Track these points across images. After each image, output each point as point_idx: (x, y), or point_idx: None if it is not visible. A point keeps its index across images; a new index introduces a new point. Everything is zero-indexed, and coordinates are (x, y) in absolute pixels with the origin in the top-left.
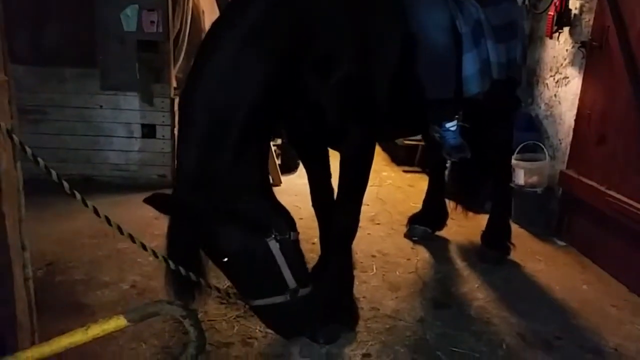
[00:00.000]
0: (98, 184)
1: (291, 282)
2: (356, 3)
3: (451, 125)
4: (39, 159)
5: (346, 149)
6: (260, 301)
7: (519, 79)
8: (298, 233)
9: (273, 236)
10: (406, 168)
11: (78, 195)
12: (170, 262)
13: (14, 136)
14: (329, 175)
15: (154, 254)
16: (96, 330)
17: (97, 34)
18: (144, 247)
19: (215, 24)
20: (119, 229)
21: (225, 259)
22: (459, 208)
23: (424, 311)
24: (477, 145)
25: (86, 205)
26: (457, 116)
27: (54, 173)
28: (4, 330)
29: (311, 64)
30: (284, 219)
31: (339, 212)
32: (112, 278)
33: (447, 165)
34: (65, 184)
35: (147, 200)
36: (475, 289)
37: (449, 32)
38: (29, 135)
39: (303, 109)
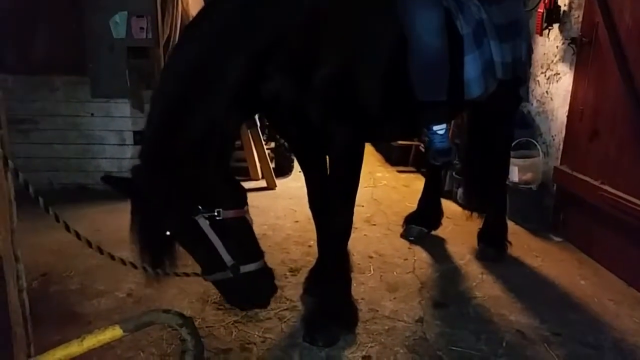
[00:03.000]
0: (92, 193)
1: (227, 258)
2: (344, 1)
3: (439, 129)
4: (19, 173)
5: (332, 151)
6: (209, 277)
7: (524, 78)
8: (245, 209)
9: (201, 214)
10: (401, 168)
11: (51, 211)
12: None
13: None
14: (325, 176)
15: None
16: (92, 341)
17: (86, 42)
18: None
19: (192, 20)
20: (88, 242)
21: (167, 233)
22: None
23: (423, 311)
24: (480, 144)
25: (58, 220)
26: (447, 120)
27: (31, 188)
28: None
29: (290, 62)
30: (223, 197)
31: (331, 214)
32: (108, 287)
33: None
34: (41, 200)
35: (103, 179)
36: (473, 287)
37: (440, 34)
38: (21, 145)
39: (287, 110)
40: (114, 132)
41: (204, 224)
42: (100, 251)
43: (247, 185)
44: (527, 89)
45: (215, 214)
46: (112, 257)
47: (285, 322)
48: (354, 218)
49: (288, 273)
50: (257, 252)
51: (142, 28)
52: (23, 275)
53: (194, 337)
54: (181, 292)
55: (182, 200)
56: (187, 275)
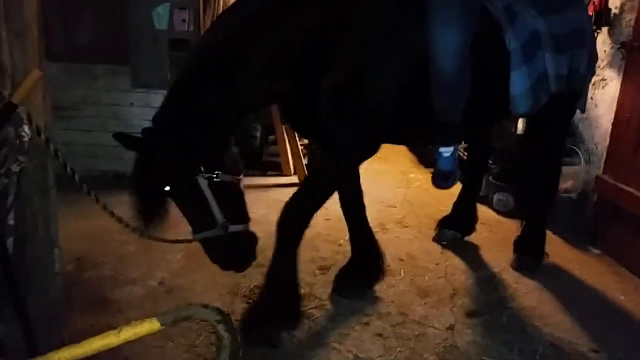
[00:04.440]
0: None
1: (219, 217)
2: (370, 8)
3: (445, 151)
4: (61, 159)
5: (336, 146)
6: (199, 235)
7: (581, 91)
8: (239, 178)
9: (202, 174)
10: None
11: (93, 195)
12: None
13: (42, 135)
14: (357, 176)
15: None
16: (129, 333)
17: (129, 32)
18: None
19: (224, 10)
20: (127, 225)
21: (167, 189)
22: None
23: (455, 318)
24: (530, 152)
25: (98, 202)
26: (457, 142)
27: (77, 176)
28: (35, 326)
29: (310, 58)
30: (222, 163)
31: (293, 201)
32: (140, 275)
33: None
34: (85, 186)
35: (114, 135)
36: (507, 297)
37: (458, 56)
38: (62, 131)
39: (298, 99)
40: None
41: (203, 183)
42: (127, 226)
43: (278, 180)
44: (585, 100)
45: (214, 175)
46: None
47: (313, 320)
48: (386, 219)
49: (317, 271)
50: (245, 217)
51: (184, 20)
52: (60, 260)
53: (231, 334)
54: (212, 284)
55: (187, 160)
56: (174, 241)
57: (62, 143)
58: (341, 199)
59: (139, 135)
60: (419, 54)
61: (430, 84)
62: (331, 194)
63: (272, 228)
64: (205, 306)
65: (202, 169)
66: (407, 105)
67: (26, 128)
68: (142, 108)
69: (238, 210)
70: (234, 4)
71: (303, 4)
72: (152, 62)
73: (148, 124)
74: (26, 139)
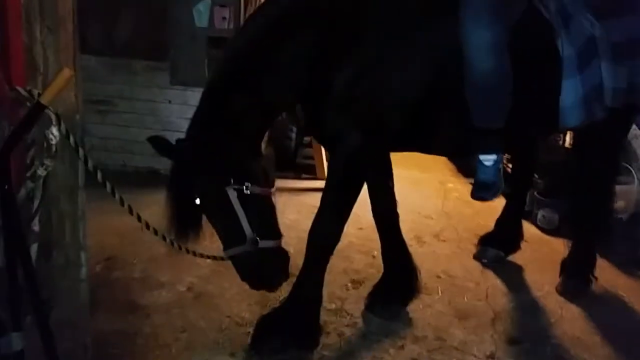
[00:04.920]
0: (164, 178)
1: (248, 231)
2: (394, 7)
3: (487, 159)
4: (89, 160)
5: (338, 153)
6: (229, 251)
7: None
8: (270, 190)
9: (231, 186)
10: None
11: (117, 195)
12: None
13: (71, 137)
14: (391, 184)
15: (163, 237)
16: None
17: (168, 28)
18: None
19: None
20: (147, 225)
21: (197, 201)
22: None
23: (495, 346)
24: (579, 169)
25: (122, 204)
26: (500, 150)
27: (99, 175)
28: (58, 332)
29: (326, 53)
30: (253, 175)
31: (317, 219)
32: (169, 278)
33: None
34: (108, 185)
35: (149, 139)
36: (551, 324)
37: (496, 54)
38: (97, 125)
39: (311, 97)
40: (190, 120)
41: (232, 195)
42: (155, 233)
43: (312, 184)
44: None
45: (244, 187)
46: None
47: (344, 339)
48: (422, 231)
49: (349, 284)
50: (276, 232)
51: (224, 18)
52: (86, 264)
53: None
54: (241, 292)
55: (216, 170)
56: (203, 256)
57: (97, 137)
58: (373, 209)
59: (174, 140)
60: (448, 50)
61: (463, 84)
62: (351, 201)
63: (304, 234)
64: None
65: (231, 180)
66: (435, 106)
67: (54, 130)
68: (180, 105)
69: (269, 225)
70: (260, 7)
71: (325, 5)
72: (191, 60)
73: (185, 122)
74: (54, 142)
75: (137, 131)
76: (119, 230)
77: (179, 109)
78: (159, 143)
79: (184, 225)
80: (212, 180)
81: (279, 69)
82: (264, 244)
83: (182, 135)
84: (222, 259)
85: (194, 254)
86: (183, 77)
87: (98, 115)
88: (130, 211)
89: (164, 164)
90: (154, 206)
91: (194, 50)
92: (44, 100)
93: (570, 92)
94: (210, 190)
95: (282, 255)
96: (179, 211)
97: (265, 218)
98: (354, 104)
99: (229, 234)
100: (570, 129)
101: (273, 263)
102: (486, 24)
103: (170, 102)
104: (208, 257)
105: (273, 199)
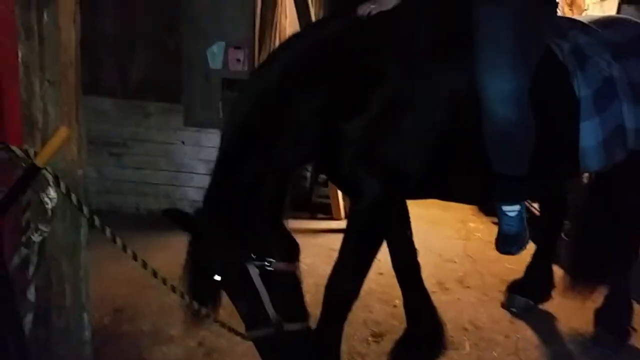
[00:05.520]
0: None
1: (271, 311)
2: (412, 49)
3: (510, 210)
4: (97, 221)
5: (357, 202)
6: (251, 333)
7: None
8: (296, 265)
9: (252, 261)
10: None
11: (119, 242)
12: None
13: (72, 196)
14: (409, 233)
15: (173, 289)
16: None
17: (182, 70)
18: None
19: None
20: (154, 273)
21: (217, 279)
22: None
23: None
24: (600, 210)
25: (125, 251)
26: (523, 199)
27: (107, 230)
28: None
29: (339, 99)
30: (277, 248)
31: (337, 273)
32: (179, 332)
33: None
34: (118, 241)
35: (164, 212)
36: None
37: (517, 105)
38: (111, 168)
39: (323, 147)
40: (203, 162)
41: (254, 272)
42: (164, 282)
43: (328, 224)
44: None
45: (266, 263)
46: (174, 290)
47: None
48: (445, 277)
49: (370, 338)
50: (304, 313)
51: (238, 60)
52: (89, 327)
53: None
54: (252, 348)
55: (236, 245)
56: (230, 329)
57: (111, 180)
58: (393, 261)
59: (191, 212)
60: (465, 97)
61: (480, 131)
62: (374, 254)
63: (321, 280)
64: None
65: (252, 255)
66: (454, 153)
67: (52, 191)
68: (193, 147)
69: (294, 305)
70: (270, 56)
71: (336, 53)
72: (205, 101)
73: (198, 163)
74: (49, 206)
75: (151, 173)
76: (129, 278)
77: (192, 150)
78: (174, 215)
79: (202, 299)
80: (232, 255)
81: (293, 126)
82: (289, 327)
83: (196, 176)
84: (243, 336)
85: (223, 325)
86: (197, 119)
87: (111, 157)
88: (145, 266)
89: (178, 206)
90: (168, 250)
91: (208, 91)
92: (39, 162)
93: (589, 135)
94: (230, 267)
95: (309, 338)
96: (196, 287)
97: (291, 297)
98: (372, 152)
99: (252, 314)
100: (592, 172)
101: (300, 349)
102: (504, 74)
103: (183, 143)
104: (230, 329)
105: (298, 274)
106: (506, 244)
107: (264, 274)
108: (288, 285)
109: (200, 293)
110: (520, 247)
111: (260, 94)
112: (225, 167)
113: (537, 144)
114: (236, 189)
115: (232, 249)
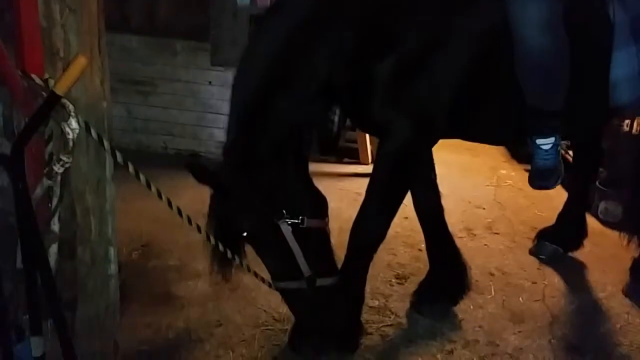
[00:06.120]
0: (204, 161)
1: (305, 268)
2: None
3: (544, 143)
4: (117, 153)
5: (385, 143)
6: (280, 284)
7: None
8: (325, 221)
9: (284, 219)
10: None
11: (142, 179)
12: (211, 238)
13: (92, 130)
14: (433, 176)
15: (198, 228)
16: None
17: (210, 7)
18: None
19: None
20: (179, 211)
21: (245, 235)
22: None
23: (554, 354)
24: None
25: (150, 188)
26: (558, 132)
27: (131, 166)
28: (86, 330)
29: (367, 39)
30: (307, 204)
31: (363, 215)
32: (206, 267)
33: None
34: (142, 177)
35: (186, 165)
36: (616, 331)
37: (552, 30)
38: (139, 106)
39: (350, 88)
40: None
41: (287, 230)
42: (190, 222)
43: (355, 169)
44: None
45: (299, 221)
46: (199, 230)
47: (387, 340)
48: (473, 222)
49: (394, 280)
50: (334, 268)
51: None
52: (115, 260)
53: None
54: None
55: (265, 203)
56: (256, 275)
57: (140, 118)
58: (415, 204)
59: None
60: (496, 27)
61: (514, 64)
62: (402, 196)
63: (346, 224)
64: None
65: (284, 213)
66: (485, 89)
67: (73, 122)
68: (220, 87)
69: (325, 260)
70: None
71: None
72: (232, 39)
73: (224, 104)
74: (70, 136)
75: (178, 113)
76: (156, 214)
77: (218, 90)
78: (198, 170)
79: (227, 245)
80: (263, 213)
81: (322, 70)
82: (322, 281)
83: (222, 117)
84: (270, 285)
85: (241, 265)
86: (224, 58)
87: (139, 96)
88: (170, 204)
89: (204, 147)
90: (192, 190)
91: (235, 29)
92: (58, 90)
93: (622, 65)
94: (261, 224)
95: (343, 293)
96: (221, 239)
97: (322, 253)
98: (404, 92)
99: (282, 269)
100: (624, 108)
101: (332, 304)
102: (538, 2)
103: (210, 83)
104: (256, 275)
105: (327, 230)
106: (542, 178)
107: (297, 231)
108: (319, 241)
109: (225, 241)
110: (556, 181)
111: (286, 34)
112: (249, 119)
113: (575, 76)
114: (264, 143)
115: (262, 207)
